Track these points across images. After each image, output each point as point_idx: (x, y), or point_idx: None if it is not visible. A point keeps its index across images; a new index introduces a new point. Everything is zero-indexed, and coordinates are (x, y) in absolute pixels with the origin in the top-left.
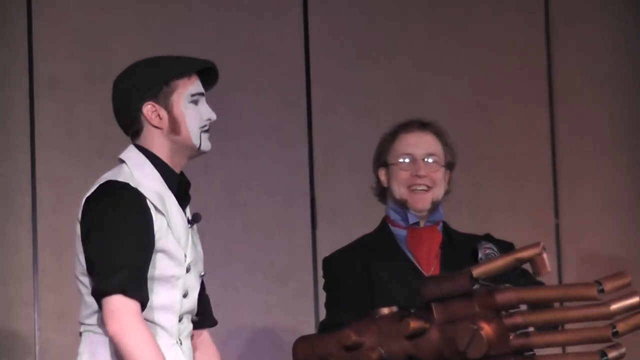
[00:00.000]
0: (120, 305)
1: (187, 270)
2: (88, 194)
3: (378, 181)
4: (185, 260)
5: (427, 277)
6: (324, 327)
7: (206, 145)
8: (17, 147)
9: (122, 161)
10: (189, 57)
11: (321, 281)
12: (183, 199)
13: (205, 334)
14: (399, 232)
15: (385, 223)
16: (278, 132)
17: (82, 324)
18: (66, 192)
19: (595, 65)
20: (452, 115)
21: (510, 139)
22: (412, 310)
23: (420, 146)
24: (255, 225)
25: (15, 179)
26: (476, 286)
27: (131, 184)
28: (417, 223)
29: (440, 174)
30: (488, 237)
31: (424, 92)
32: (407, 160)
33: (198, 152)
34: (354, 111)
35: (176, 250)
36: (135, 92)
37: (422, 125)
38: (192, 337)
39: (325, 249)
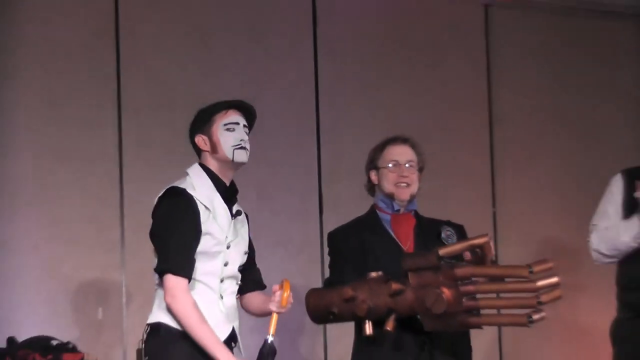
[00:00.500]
0: (171, 282)
1: (228, 247)
2: (159, 194)
3: (369, 180)
4: (225, 240)
5: (406, 253)
6: (328, 283)
7: (239, 158)
8: (108, 155)
9: (187, 173)
10: (226, 100)
11: (326, 253)
12: (230, 201)
13: (260, 294)
14: (384, 216)
15: (373, 209)
16: (296, 146)
17: (156, 283)
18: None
19: (523, 96)
20: (423, 132)
21: (462, 149)
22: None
23: (403, 155)
24: (278, 213)
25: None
26: (442, 262)
27: (187, 189)
28: (399, 210)
29: (415, 176)
30: (448, 222)
31: (405, 116)
32: (393, 165)
33: (233, 163)
34: (352, 130)
35: (219, 233)
36: (192, 128)
37: (404, 140)
38: (239, 296)
39: (330, 230)
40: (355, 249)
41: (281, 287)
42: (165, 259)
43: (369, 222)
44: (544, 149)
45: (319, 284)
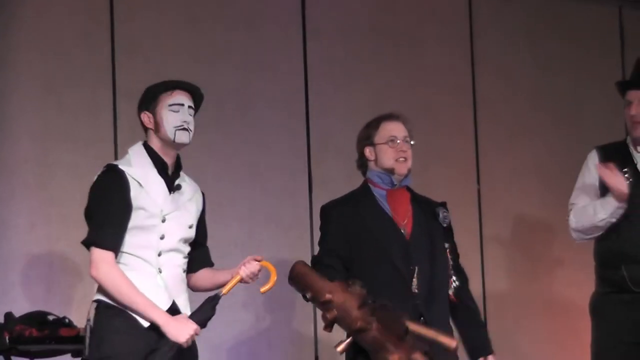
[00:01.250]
0: (95, 254)
1: (163, 220)
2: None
3: (362, 156)
4: (160, 214)
5: (380, 305)
6: (315, 261)
7: (180, 139)
8: (104, 139)
9: (127, 152)
10: (172, 80)
11: (314, 229)
12: (170, 176)
13: (209, 270)
14: (379, 192)
15: (367, 185)
16: (286, 127)
17: None
18: None
19: (506, 79)
20: (409, 115)
21: (446, 131)
22: (374, 302)
23: (399, 131)
24: (270, 191)
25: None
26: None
27: (120, 165)
28: (395, 185)
29: (410, 151)
30: (444, 204)
31: (388, 101)
32: (391, 140)
33: (174, 143)
34: (339, 113)
35: (152, 207)
36: (139, 105)
37: (397, 117)
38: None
39: (318, 208)
40: (349, 224)
41: (262, 265)
42: (91, 231)
43: (363, 198)
44: (526, 129)
45: (308, 258)
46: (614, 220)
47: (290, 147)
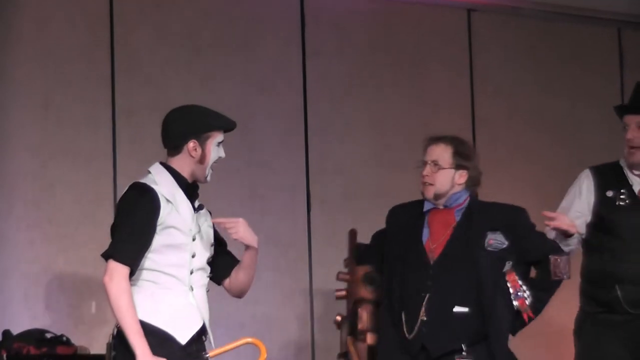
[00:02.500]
0: (112, 265)
1: (193, 239)
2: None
3: None
4: (190, 233)
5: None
6: (372, 237)
7: (209, 178)
8: (102, 154)
9: (149, 172)
10: (225, 117)
11: (313, 248)
12: (192, 196)
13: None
14: (428, 207)
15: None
16: (285, 147)
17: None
18: None
19: (505, 99)
20: (407, 134)
21: None
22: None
23: (429, 154)
24: (268, 210)
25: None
26: None
27: (148, 184)
28: (432, 207)
29: (439, 175)
30: (504, 216)
31: (387, 120)
32: (422, 164)
33: (204, 181)
34: (338, 132)
35: (183, 226)
36: (187, 131)
37: (434, 140)
38: (224, 283)
39: (317, 226)
40: (391, 229)
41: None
42: (113, 244)
43: (415, 211)
44: (525, 149)
45: (306, 279)
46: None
47: (289, 166)
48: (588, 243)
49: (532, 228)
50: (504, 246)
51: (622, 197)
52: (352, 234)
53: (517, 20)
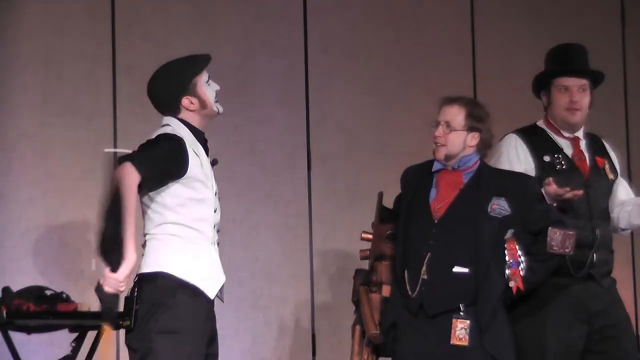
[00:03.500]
0: (128, 166)
1: (215, 194)
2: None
3: None
4: (212, 188)
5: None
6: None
7: (221, 110)
8: (103, 112)
9: (167, 125)
10: (196, 57)
11: (313, 205)
12: (206, 150)
13: None
14: (438, 167)
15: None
16: (286, 103)
17: (147, 234)
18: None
19: (507, 57)
20: (408, 93)
21: None
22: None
23: (442, 115)
24: (269, 167)
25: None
26: None
27: (177, 135)
28: (442, 168)
29: (452, 136)
30: (514, 183)
31: (388, 78)
32: (435, 125)
33: (218, 115)
34: (339, 90)
35: (207, 180)
36: (174, 91)
37: (448, 101)
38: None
39: (317, 184)
40: (404, 189)
41: None
42: (136, 155)
43: (426, 171)
44: (524, 106)
45: (306, 237)
46: None
47: (290, 123)
48: None
49: (539, 198)
50: (507, 213)
51: (558, 161)
52: (380, 196)
53: None
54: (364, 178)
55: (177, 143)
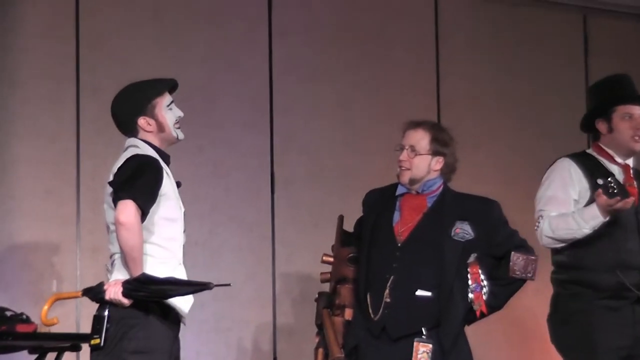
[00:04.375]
0: (131, 206)
1: (184, 214)
2: (119, 163)
3: None
4: (182, 207)
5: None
6: (356, 222)
7: (181, 136)
8: (67, 131)
9: (135, 146)
10: (160, 80)
11: (276, 229)
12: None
13: None
14: (401, 191)
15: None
16: (250, 127)
17: (114, 254)
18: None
19: (471, 82)
20: (373, 116)
21: None
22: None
23: (406, 139)
24: (232, 190)
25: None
26: None
27: (152, 156)
28: (406, 191)
29: (417, 160)
30: (476, 208)
31: (353, 101)
32: (399, 149)
33: (177, 141)
34: (303, 112)
35: (177, 200)
36: (131, 111)
37: (411, 125)
38: None
39: (280, 207)
40: (366, 212)
41: None
42: (130, 189)
43: (388, 194)
44: (489, 131)
45: (269, 259)
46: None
47: (254, 146)
48: None
49: (503, 222)
50: (470, 237)
51: (610, 185)
52: (340, 220)
53: (484, 5)
54: (328, 201)
55: (154, 162)
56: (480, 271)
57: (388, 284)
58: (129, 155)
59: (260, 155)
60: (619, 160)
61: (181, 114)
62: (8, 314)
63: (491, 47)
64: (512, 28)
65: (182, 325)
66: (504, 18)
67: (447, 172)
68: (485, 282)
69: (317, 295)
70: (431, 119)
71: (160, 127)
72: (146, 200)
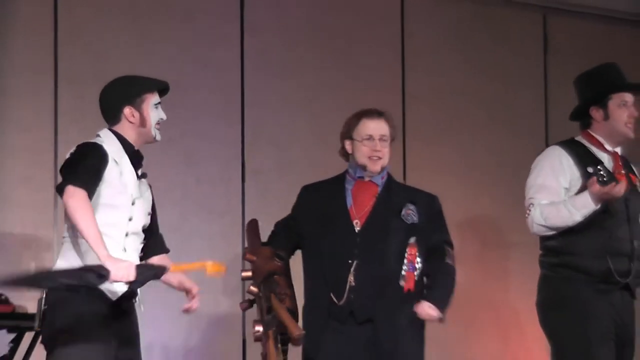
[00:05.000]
0: (71, 188)
1: (133, 203)
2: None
3: (343, 147)
4: (131, 197)
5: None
6: (275, 226)
7: (158, 137)
8: (44, 121)
9: (98, 135)
10: (154, 80)
11: (246, 217)
12: (137, 164)
13: (165, 257)
14: (350, 183)
15: (344, 174)
16: (222, 118)
17: (63, 237)
18: None
19: (436, 78)
20: (339, 110)
21: None
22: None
23: (377, 129)
24: (204, 179)
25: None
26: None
27: (98, 143)
28: (362, 177)
29: (387, 149)
30: (417, 196)
31: (320, 95)
32: (368, 139)
33: (154, 141)
34: (273, 106)
35: (123, 188)
36: (119, 99)
37: (379, 114)
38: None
39: (250, 196)
40: (311, 206)
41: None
42: (66, 176)
43: (335, 185)
44: (453, 128)
45: (239, 246)
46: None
47: (225, 137)
48: None
49: (441, 216)
50: (415, 221)
51: (600, 173)
52: (254, 222)
53: (448, 3)
54: (295, 190)
55: (99, 148)
56: (417, 253)
57: (352, 269)
58: (78, 144)
59: (231, 146)
60: (609, 148)
61: (164, 116)
62: None
63: (455, 45)
64: (475, 26)
65: (138, 307)
66: (468, 16)
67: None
68: (419, 265)
69: (246, 281)
70: (397, 114)
71: (143, 122)
72: (88, 183)
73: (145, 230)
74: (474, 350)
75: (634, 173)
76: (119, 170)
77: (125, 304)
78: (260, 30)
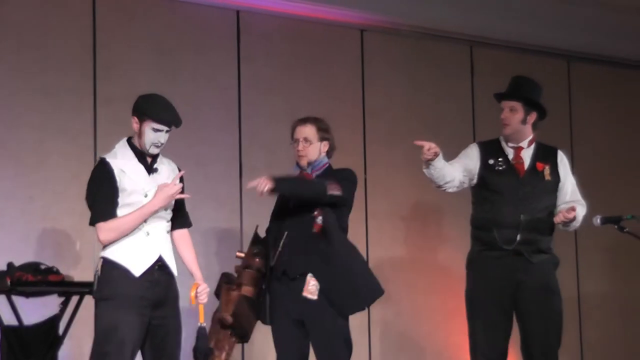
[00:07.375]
0: (100, 226)
1: (145, 195)
2: None
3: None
4: (142, 191)
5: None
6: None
7: (152, 151)
8: (86, 132)
9: (114, 147)
10: (161, 113)
11: (243, 206)
12: (148, 161)
13: (185, 231)
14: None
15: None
16: (223, 127)
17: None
18: None
19: (390, 98)
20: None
21: (339, 131)
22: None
23: (300, 133)
24: (209, 176)
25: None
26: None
27: (107, 157)
28: (305, 170)
29: (310, 148)
30: (343, 170)
31: (300, 109)
32: (294, 142)
33: (147, 152)
34: (264, 117)
35: (135, 188)
36: (134, 110)
37: (303, 120)
38: (172, 231)
39: (247, 190)
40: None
41: (195, 287)
42: (93, 212)
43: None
44: (402, 131)
45: (237, 230)
46: (433, 178)
47: (226, 143)
48: (475, 198)
49: (344, 177)
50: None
51: (499, 163)
52: (256, 228)
53: (400, 38)
54: None
55: (101, 168)
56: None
57: (283, 239)
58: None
59: (231, 150)
60: (510, 144)
61: (163, 141)
62: (42, 267)
63: (405, 70)
64: (417, 56)
65: (172, 274)
66: (411, 48)
67: (331, 151)
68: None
69: (220, 275)
70: (358, 127)
71: (140, 134)
72: (107, 212)
73: (173, 209)
74: (419, 303)
75: (545, 162)
76: (126, 176)
77: (157, 274)
78: (253, 59)
